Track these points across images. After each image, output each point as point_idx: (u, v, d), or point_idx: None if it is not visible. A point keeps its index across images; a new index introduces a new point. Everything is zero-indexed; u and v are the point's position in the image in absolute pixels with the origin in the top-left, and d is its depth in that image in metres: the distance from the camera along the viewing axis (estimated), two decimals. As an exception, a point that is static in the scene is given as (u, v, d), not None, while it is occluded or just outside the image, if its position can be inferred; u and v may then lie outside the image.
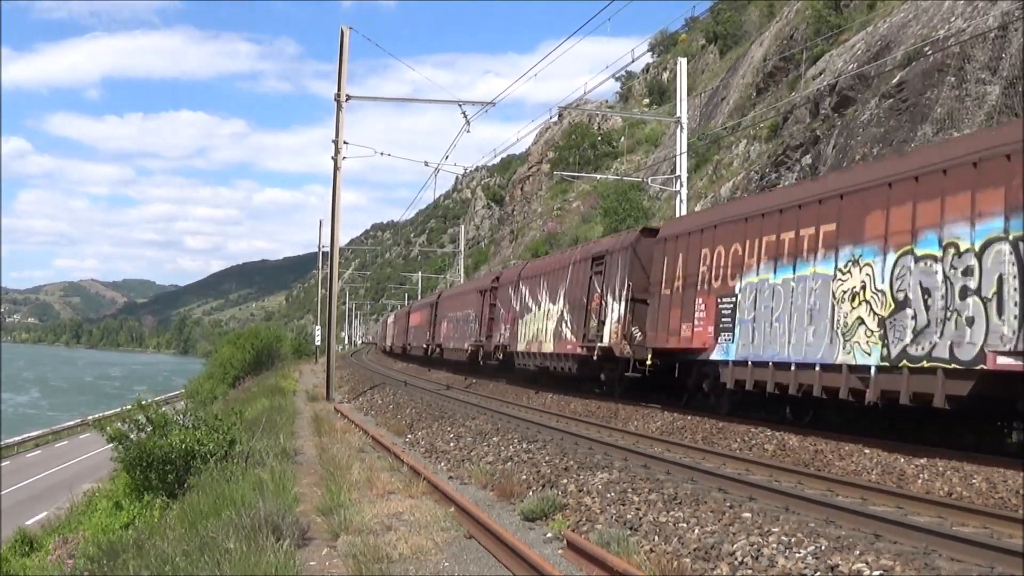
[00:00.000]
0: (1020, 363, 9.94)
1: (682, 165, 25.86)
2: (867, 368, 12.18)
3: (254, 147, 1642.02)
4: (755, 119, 37.23)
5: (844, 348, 12.69)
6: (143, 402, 15.20)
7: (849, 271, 12.79)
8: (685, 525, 7.76)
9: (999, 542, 7.03)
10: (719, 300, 16.04)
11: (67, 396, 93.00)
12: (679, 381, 18.20)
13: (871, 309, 12.24)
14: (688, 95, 28.11)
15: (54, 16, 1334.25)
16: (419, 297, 77.30)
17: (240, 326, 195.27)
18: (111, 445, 14.74)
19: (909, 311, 11.52)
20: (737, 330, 15.44)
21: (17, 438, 47.53)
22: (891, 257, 11.97)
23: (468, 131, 25.02)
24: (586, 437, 14.38)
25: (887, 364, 11.80)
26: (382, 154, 28.13)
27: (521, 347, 27.42)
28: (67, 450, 46.35)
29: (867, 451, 11.67)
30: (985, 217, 10.54)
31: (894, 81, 23.95)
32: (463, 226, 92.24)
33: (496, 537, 7.56)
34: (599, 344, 20.66)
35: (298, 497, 9.75)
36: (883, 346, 11.92)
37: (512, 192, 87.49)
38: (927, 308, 11.27)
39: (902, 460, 10.92)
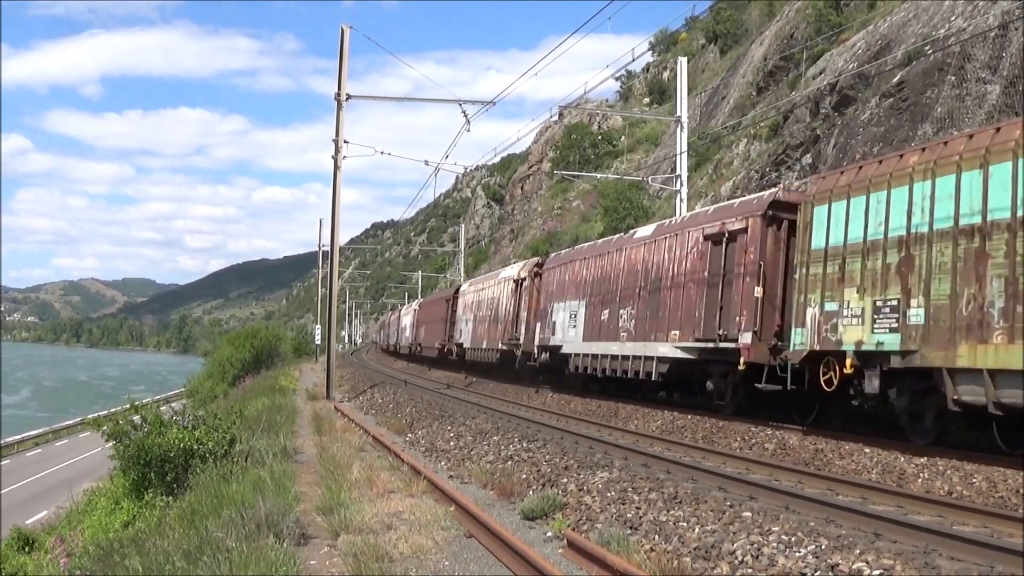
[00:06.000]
0: None
1: (682, 164, 25.85)
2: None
3: (254, 145, 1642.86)
4: (755, 118, 37.22)
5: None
6: (136, 403, 14.95)
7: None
8: (685, 524, 7.75)
9: (999, 541, 7.02)
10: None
11: (59, 396, 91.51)
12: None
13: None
14: (688, 94, 28.09)
15: (52, 13, 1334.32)
16: (419, 296, 77.50)
17: (240, 325, 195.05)
18: (109, 443, 14.66)
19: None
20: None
21: (17, 437, 47.53)
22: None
23: (468, 130, 25.03)
24: (586, 436, 14.39)
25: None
26: (382, 153, 28.09)
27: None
28: (67, 449, 46.36)
29: (867, 450, 11.67)
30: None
31: (894, 80, 23.95)
32: (463, 225, 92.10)
33: (496, 536, 7.55)
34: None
35: (298, 496, 9.74)
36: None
37: (512, 191, 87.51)
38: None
39: (902, 459, 10.93)
